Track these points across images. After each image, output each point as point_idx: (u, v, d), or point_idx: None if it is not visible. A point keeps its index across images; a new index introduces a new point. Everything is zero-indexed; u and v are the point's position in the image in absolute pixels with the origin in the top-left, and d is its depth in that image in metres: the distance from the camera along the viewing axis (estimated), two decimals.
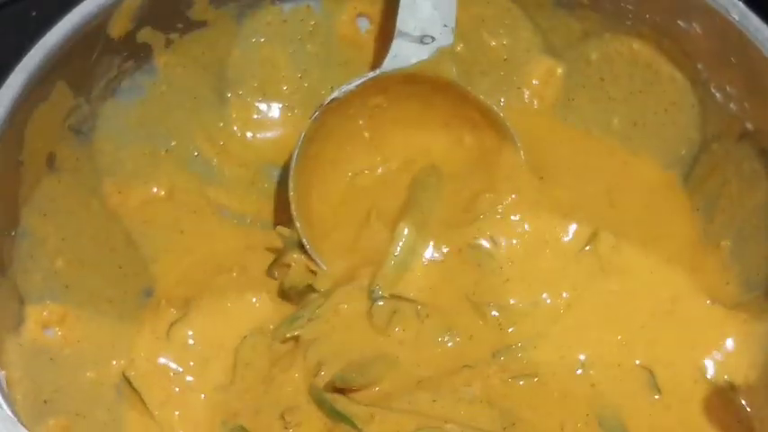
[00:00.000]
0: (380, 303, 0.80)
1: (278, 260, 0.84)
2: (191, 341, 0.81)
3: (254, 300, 0.82)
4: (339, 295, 0.81)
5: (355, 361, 0.78)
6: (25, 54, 0.72)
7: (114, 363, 0.79)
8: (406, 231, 0.82)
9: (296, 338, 0.80)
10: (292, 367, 0.79)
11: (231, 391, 0.79)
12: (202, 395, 0.79)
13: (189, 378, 0.80)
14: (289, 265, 0.83)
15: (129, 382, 0.78)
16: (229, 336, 0.81)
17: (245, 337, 0.81)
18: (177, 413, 0.78)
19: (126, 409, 0.77)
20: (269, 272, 0.84)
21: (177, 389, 0.79)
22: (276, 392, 0.78)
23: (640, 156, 0.86)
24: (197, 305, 0.82)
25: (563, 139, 0.88)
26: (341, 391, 0.77)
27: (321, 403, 0.77)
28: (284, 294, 0.83)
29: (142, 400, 0.78)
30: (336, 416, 0.76)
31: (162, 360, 0.80)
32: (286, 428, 0.77)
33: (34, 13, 0.99)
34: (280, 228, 0.84)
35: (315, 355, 0.78)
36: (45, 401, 0.72)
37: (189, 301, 0.82)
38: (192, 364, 0.80)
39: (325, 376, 0.77)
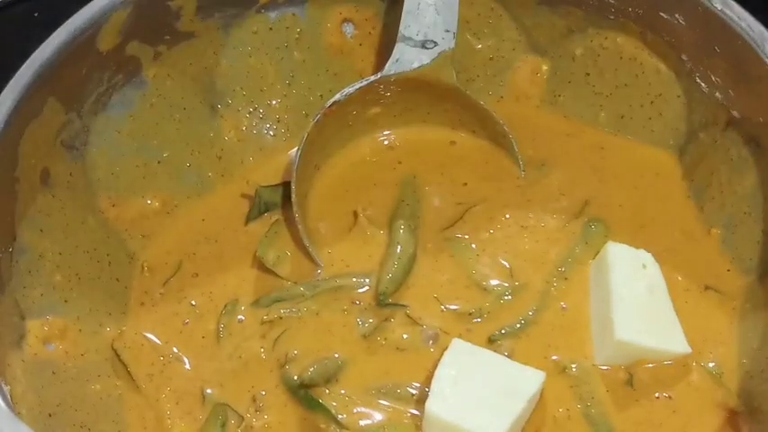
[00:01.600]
0: (371, 317, 0.81)
1: (257, 215, 0.86)
2: (177, 305, 0.82)
3: (238, 269, 0.84)
4: (324, 301, 0.81)
5: (324, 360, 0.78)
6: (27, 57, 0.73)
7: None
8: (401, 231, 0.83)
9: (271, 322, 0.81)
10: (261, 349, 0.79)
11: (214, 362, 0.80)
12: (187, 366, 0.80)
13: (174, 349, 0.80)
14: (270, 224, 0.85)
15: (117, 355, 0.79)
16: (215, 301, 0.82)
17: (225, 305, 0.82)
18: (166, 387, 0.78)
19: (131, 419, 0.77)
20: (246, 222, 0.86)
21: (161, 358, 0.80)
22: (248, 372, 0.79)
23: (631, 142, 0.87)
24: (183, 270, 0.83)
25: (552, 132, 0.89)
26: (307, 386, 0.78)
27: (294, 390, 0.77)
28: (261, 265, 0.84)
29: (130, 375, 0.79)
30: (310, 403, 0.76)
31: (149, 333, 0.81)
32: (257, 411, 0.77)
33: (37, 14, 0.99)
34: (261, 188, 0.86)
35: (283, 346, 0.79)
36: (50, 415, 0.72)
37: (176, 268, 0.84)
38: (180, 332, 0.81)
39: (291, 369, 0.78)
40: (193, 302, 0.82)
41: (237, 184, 0.88)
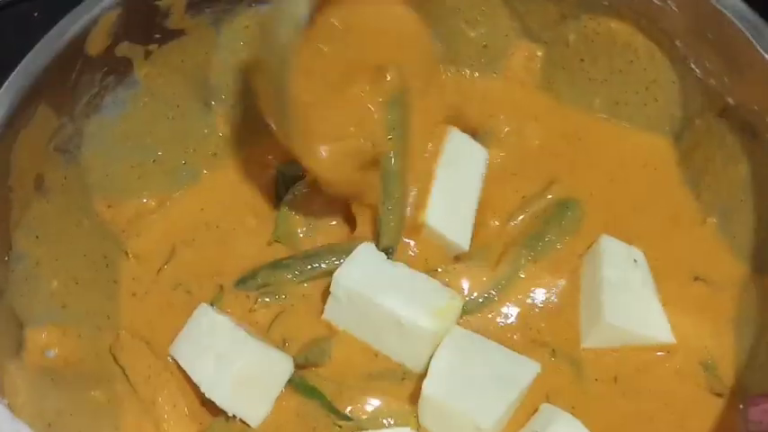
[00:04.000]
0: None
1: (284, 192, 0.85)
2: (172, 291, 0.82)
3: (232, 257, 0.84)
4: (314, 284, 0.81)
5: (314, 339, 0.78)
6: (23, 59, 0.73)
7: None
8: (392, 162, 0.80)
9: (255, 311, 0.81)
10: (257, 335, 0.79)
11: None
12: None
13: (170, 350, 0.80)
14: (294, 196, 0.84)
15: (115, 359, 0.79)
16: (204, 290, 0.82)
17: (212, 301, 0.82)
18: (163, 390, 0.79)
19: (128, 425, 0.77)
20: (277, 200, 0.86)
21: (158, 361, 0.80)
22: None
23: (626, 127, 0.87)
24: (179, 253, 0.84)
25: (546, 116, 0.88)
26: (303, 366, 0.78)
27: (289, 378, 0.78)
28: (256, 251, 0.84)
29: (128, 379, 0.79)
30: (305, 390, 0.77)
31: (144, 331, 0.81)
32: None
33: (37, 14, 1.00)
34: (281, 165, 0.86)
35: (278, 331, 0.79)
36: (49, 425, 0.72)
37: (171, 251, 0.84)
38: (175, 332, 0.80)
39: (288, 349, 0.78)
40: (187, 290, 0.83)
41: (226, 174, 0.88)
